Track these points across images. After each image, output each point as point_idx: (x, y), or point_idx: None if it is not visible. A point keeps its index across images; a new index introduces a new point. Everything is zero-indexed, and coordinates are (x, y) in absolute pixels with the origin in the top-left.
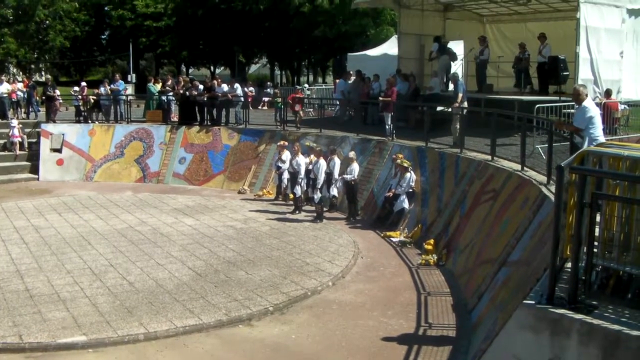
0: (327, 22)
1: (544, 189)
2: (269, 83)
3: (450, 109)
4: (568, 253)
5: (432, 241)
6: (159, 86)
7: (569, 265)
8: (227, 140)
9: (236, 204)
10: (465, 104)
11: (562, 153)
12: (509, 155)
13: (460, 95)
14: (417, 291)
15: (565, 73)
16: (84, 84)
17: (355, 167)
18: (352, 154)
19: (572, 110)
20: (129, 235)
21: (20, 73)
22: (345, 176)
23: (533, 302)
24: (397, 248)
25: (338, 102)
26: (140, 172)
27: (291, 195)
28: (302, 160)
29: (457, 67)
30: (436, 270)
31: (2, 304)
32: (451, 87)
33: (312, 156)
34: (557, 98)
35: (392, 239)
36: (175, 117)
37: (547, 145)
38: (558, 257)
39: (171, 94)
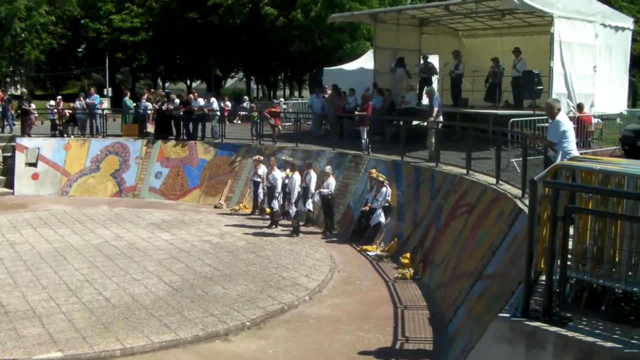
0: (303, 36)
1: (518, 203)
2: (245, 97)
3: (425, 123)
4: (542, 266)
5: (408, 255)
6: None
7: (543, 278)
8: (203, 154)
9: (212, 218)
10: (441, 118)
11: (536, 167)
12: (484, 169)
13: (436, 109)
14: (393, 305)
15: (539, 87)
16: (59, 97)
17: (332, 182)
18: (328, 168)
19: (546, 124)
20: (105, 250)
21: None
22: (322, 190)
23: (508, 315)
24: (374, 262)
25: (312, 117)
26: (116, 187)
27: (268, 210)
28: (279, 175)
29: (433, 82)
30: (413, 284)
31: None
32: (426, 101)
33: (287, 170)
34: (532, 112)
35: (368, 252)
36: (151, 128)
37: (521, 159)
38: (532, 270)
39: (149, 105)
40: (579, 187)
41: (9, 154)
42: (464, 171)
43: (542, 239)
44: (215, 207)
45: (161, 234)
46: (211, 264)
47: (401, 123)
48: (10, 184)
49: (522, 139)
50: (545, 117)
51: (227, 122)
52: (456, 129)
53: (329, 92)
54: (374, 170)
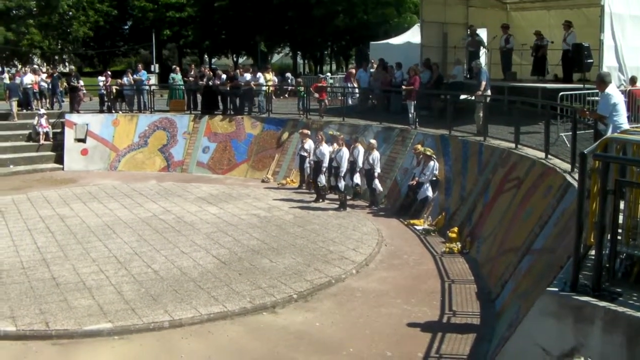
0: (347, 11)
1: (567, 177)
2: (287, 74)
3: (473, 97)
4: (592, 241)
5: (455, 229)
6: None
7: (592, 253)
8: (250, 129)
9: (260, 192)
10: (489, 92)
11: (585, 141)
12: (532, 143)
13: (484, 83)
14: (440, 279)
15: (589, 60)
16: (109, 73)
17: (376, 155)
18: (372, 142)
19: (596, 98)
20: (154, 223)
21: (45, 64)
22: (375, 169)
23: (556, 289)
24: (421, 236)
25: (358, 92)
26: (164, 162)
27: (315, 184)
28: (326, 149)
29: (481, 55)
30: (460, 259)
31: (29, 292)
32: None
33: (335, 145)
34: (581, 86)
35: (415, 227)
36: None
37: (571, 133)
38: (582, 245)
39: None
40: (629, 160)
41: (58, 130)
42: (512, 145)
43: (591, 213)
44: (263, 181)
45: (209, 208)
46: (259, 237)
47: (448, 97)
48: (60, 159)
49: (572, 112)
50: (595, 90)
51: (274, 97)
52: (504, 102)
53: (376, 66)
54: (419, 146)
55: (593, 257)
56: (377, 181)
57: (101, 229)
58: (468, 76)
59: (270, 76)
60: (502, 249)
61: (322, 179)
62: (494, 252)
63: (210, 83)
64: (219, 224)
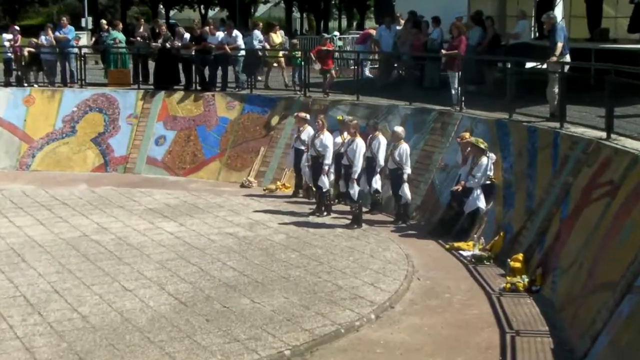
0: None
1: None
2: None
3: (545, 65)
4: None
5: (520, 256)
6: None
7: None
8: (224, 111)
9: (238, 202)
10: (568, 58)
11: None
12: (633, 131)
13: (560, 45)
14: (499, 329)
15: None
16: (16, 29)
17: (404, 149)
18: (399, 130)
19: None
20: (83, 247)
21: None
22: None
23: None
24: (470, 265)
25: (378, 58)
26: (100, 157)
27: (315, 190)
28: (330, 140)
29: (557, 5)
30: (527, 299)
31: None
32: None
33: (345, 134)
34: None
35: (462, 252)
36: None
37: None
38: None
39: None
40: None
41: None
42: (603, 134)
43: None
44: (242, 185)
45: (164, 225)
46: (235, 266)
47: (509, 65)
48: None
49: None
50: None
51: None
52: (591, 73)
53: (403, 22)
54: (466, 135)
55: None
56: (405, 186)
57: (4, 256)
58: (537, 35)
59: (279, 38)
60: (590, 285)
61: (326, 183)
62: (578, 289)
63: (168, 45)
64: (178, 248)
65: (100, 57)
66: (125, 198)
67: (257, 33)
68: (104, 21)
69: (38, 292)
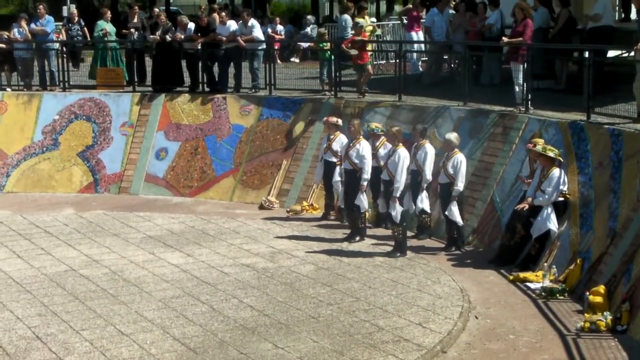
0: None
1: None
2: (309, 17)
3: (632, 54)
4: None
5: (602, 289)
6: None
7: None
8: (238, 117)
9: (256, 227)
10: None
11: None
12: None
13: None
14: None
15: None
16: None
17: (459, 160)
18: (452, 137)
19: None
20: (70, 284)
21: None
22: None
23: None
24: (539, 300)
25: (426, 49)
26: (88, 176)
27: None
28: (368, 150)
29: None
30: (611, 342)
31: None
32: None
33: (384, 142)
34: None
35: (529, 284)
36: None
37: None
38: None
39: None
40: None
41: None
42: None
43: None
44: (261, 207)
45: (168, 256)
46: (254, 304)
47: (586, 55)
48: None
49: None
50: None
51: (279, 62)
52: None
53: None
54: (540, 141)
55: None
56: (454, 206)
57: None
58: (622, 16)
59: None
60: None
61: (364, 202)
62: None
63: (168, 38)
64: (184, 283)
65: (70, 55)
66: (119, 224)
67: (346, 17)
68: (73, 10)
69: (16, 339)
